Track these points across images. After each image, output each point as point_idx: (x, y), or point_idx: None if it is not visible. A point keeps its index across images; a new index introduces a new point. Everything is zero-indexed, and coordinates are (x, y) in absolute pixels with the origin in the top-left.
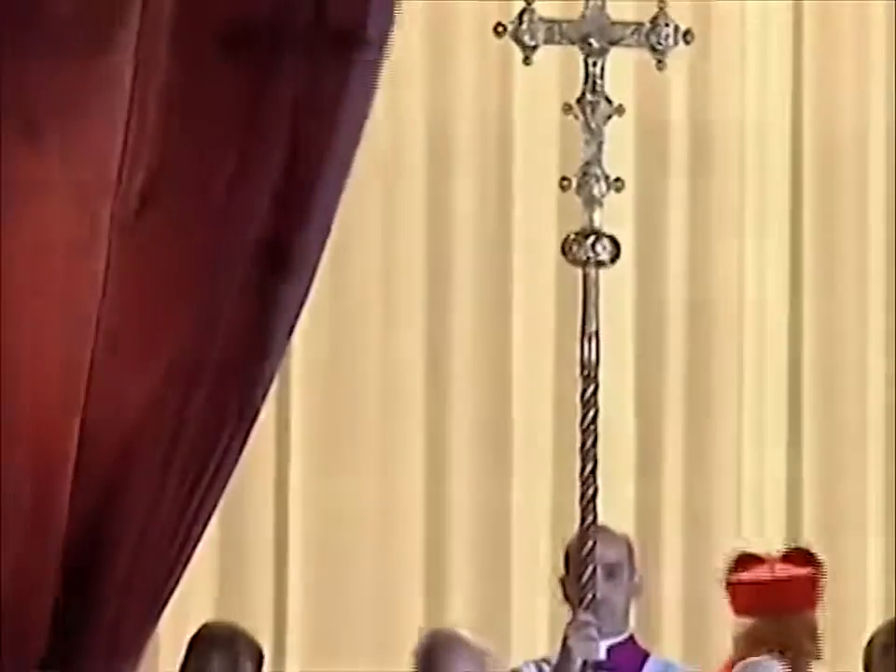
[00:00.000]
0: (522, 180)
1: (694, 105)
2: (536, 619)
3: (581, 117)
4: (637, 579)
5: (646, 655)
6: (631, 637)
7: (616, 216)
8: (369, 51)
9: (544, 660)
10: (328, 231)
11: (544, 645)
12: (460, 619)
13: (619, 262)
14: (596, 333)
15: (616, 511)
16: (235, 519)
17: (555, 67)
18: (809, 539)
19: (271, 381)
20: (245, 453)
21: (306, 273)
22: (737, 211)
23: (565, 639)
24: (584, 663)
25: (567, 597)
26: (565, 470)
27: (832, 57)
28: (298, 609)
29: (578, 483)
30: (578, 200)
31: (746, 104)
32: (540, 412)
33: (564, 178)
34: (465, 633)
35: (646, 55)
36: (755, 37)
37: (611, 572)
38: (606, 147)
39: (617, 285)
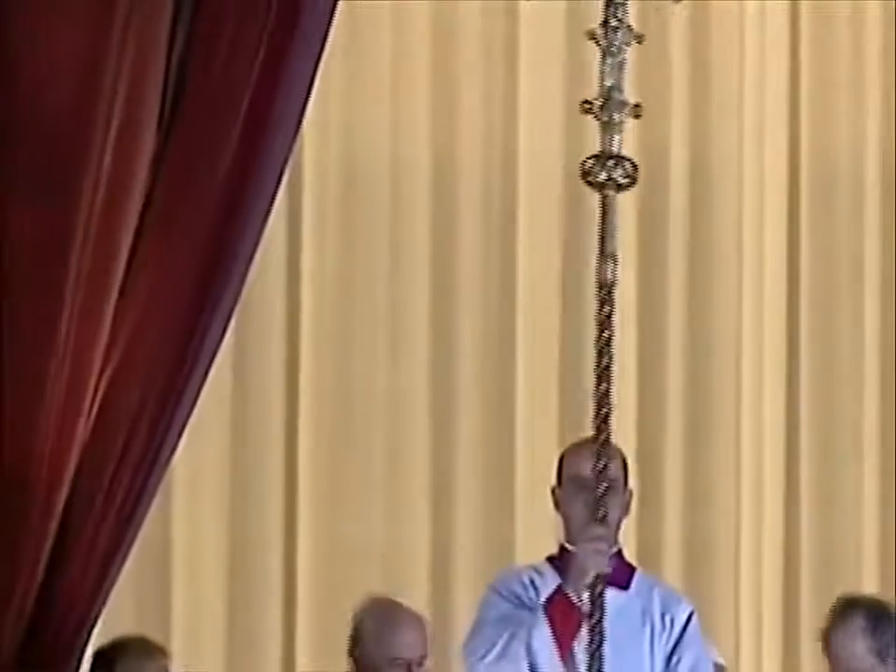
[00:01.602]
0: (526, 189)
1: (694, 132)
2: None
3: (602, 41)
4: (627, 494)
5: (633, 569)
6: (620, 551)
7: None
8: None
9: (534, 568)
10: None
11: None
12: None
13: (620, 292)
14: (614, 255)
15: None
16: (243, 559)
17: (559, 84)
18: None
19: None
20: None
21: None
22: (735, 241)
23: (562, 549)
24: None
25: (557, 506)
26: None
27: (828, 88)
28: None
29: (592, 400)
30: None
31: (744, 142)
32: (545, 440)
33: (586, 101)
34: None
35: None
36: (753, 76)
37: (610, 487)
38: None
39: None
